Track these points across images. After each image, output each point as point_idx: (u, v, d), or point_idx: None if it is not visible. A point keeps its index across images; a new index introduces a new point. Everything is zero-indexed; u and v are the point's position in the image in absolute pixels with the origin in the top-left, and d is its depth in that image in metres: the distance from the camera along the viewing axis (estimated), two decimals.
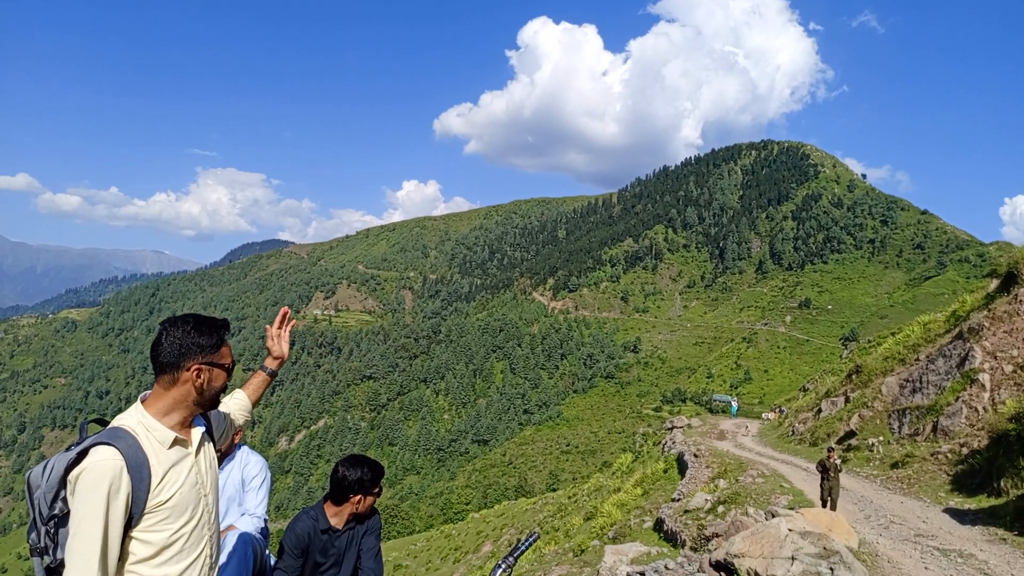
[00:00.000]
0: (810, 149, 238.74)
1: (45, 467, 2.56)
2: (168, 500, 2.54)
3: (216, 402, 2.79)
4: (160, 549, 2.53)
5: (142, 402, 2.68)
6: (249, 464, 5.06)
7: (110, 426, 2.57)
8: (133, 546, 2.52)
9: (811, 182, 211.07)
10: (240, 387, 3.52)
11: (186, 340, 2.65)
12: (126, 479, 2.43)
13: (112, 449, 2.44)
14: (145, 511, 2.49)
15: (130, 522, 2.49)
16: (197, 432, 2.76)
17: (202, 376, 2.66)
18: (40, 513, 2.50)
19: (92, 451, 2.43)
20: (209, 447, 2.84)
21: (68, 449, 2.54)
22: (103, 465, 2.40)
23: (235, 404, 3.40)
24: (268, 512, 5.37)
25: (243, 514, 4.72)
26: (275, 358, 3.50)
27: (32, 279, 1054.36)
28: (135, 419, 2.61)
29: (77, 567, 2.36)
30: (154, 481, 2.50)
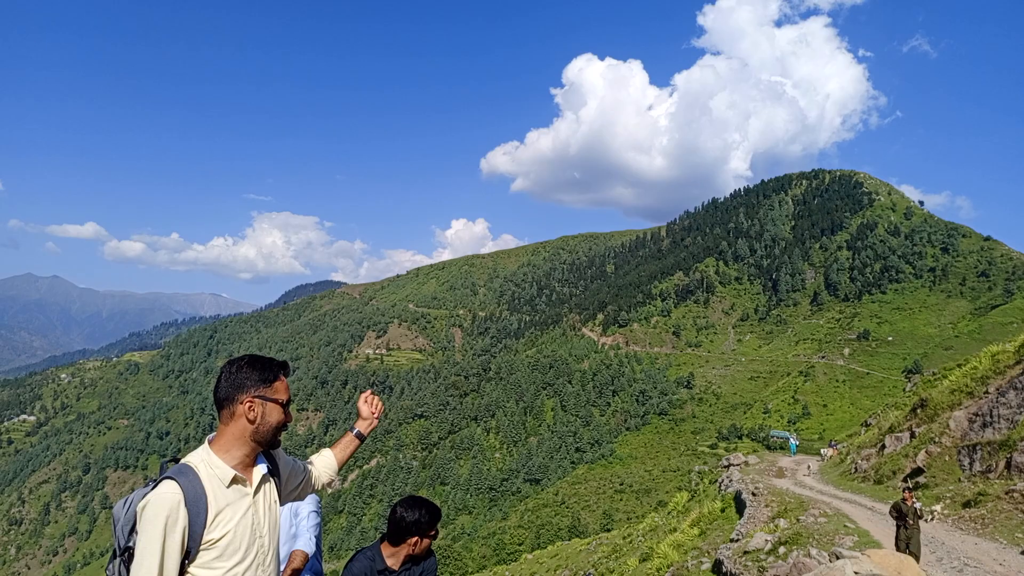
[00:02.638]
0: (863, 177, 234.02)
1: (126, 501, 2.74)
2: (221, 538, 2.63)
3: (275, 439, 2.86)
4: None
5: (208, 442, 2.81)
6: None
7: (179, 463, 2.72)
8: None
9: (866, 210, 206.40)
10: (329, 447, 3.61)
11: (240, 375, 2.79)
12: (183, 512, 2.55)
13: (173, 483, 2.59)
14: (200, 547, 2.59)
15: (187, 556, 2.60)
16: (258, 472, 2.84)
17: (255, 410, 2.76)
18: (118, 545, 2.67)
19: (158, 485, 2.61)
20: (271, 488, 2.91)
21: (147, 485, 2.70)
22: (163, 498, 2.55)
23: (321, 462, 3.48)
24: (322, 552, 5.40)
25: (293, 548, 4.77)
26: (364, 419, 3.64)
27: (98, 323, 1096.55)
28: (199, 456, 2.74)
29: None
30: (210, 517, 2.61)
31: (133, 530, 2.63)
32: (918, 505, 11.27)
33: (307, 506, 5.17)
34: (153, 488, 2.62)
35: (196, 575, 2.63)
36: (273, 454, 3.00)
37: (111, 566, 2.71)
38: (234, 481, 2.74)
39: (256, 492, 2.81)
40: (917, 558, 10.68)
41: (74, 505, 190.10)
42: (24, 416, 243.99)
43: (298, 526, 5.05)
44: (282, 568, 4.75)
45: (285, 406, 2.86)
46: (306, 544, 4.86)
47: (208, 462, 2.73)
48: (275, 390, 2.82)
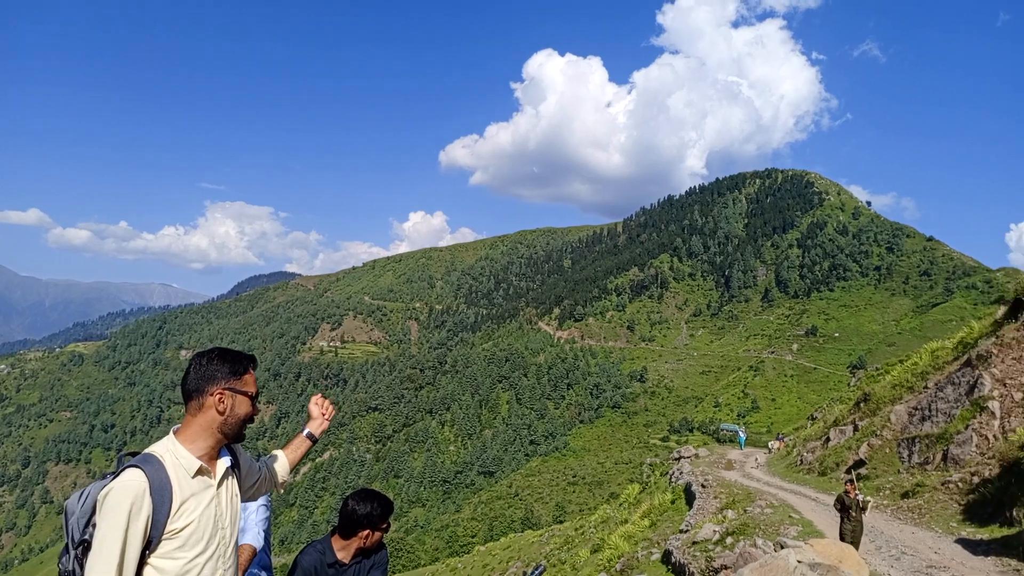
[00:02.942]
0: (814, 177, 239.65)
1: (82, 494, 2.69)
2: (184, 528, 2.63)
3: (241, 432, 2.87)
4: None
5: (174, 433, 2.80)
6: None
7: (142, 453, 2.70)
8: (147, 572, 2.61)
9: (816, 210, 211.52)
10: (282, 448, 3.59)
11: (210, 367, 2.80)
12: (148, 501, 2.55)
13: (138, 471, 2.58)
14: (163, 536, 2.58)
15: (149, 546, 2.59)
16: (222, 464, 2.86)
17: (225, 402, 2.78)
18: (72, 538, 2.63)
19: (121, 474, 2.59)
20: (233, 482, 2.93)
21: (104, 477, 2.67)
22: (128, 486, 2.54)
23: (274, 463, 3.46)
24: (272, 545, 5.31)
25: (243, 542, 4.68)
26: (315, 420, 3.59)
27: (40, 313, 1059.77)
28: (164, 447, 2.73)
29: None
30: (174, 507, 2.61)
31: (89, 523, 2.60)
32: (861, 497, 11.41)
33: (257, 500, 5.06)
34: (114, 477, 2.60)
35: (157, 565, 2.61)
36: (235, 449, 3.01)
37: (64, 560, 2.65)
38: (199, 472, 2.74)
39: (220, 484, 2.81)
40: (857, 548, 10.74)
41: (12, 500, 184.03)
42: None
43: (246, 520, 4.94)
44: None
45: (254, 399, 2.89)
46: (254, 539, 4.75)
47: (174, 452, 2.72)
48: (245, 383, 2.85)
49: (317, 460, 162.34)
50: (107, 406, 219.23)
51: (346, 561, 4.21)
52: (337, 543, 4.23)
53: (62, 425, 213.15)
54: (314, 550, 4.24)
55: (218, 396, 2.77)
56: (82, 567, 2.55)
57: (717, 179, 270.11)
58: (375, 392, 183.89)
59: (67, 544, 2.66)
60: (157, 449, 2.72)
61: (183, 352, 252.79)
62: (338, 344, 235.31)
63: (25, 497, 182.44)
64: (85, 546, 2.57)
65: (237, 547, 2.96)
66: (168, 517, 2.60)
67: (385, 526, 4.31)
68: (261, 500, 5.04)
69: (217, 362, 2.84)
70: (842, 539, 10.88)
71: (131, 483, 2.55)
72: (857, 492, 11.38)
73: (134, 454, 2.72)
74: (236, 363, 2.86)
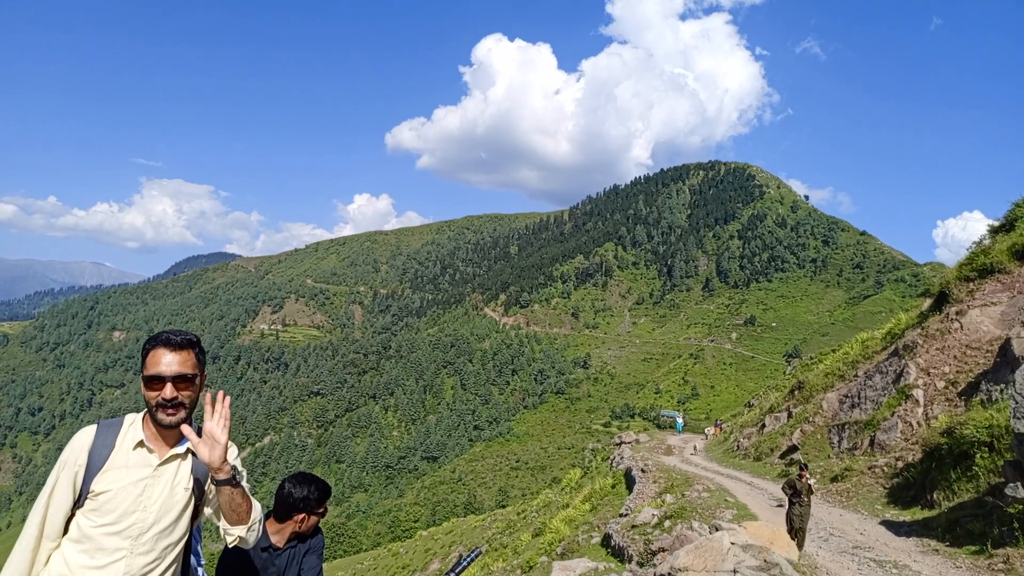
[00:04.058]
0: (756, 170, 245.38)
1: None
2: (101, 494, 2.62)
3: (156, 416, 2.70)
4: (82, 536, 2.61)
5: None
6: None
7: (126, 415, 2.82)
8: (71, 525, 2.66)
9: (757, 202, 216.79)
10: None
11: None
12: (84, 458, 2.63)
13: (92, 428, 2.71)
14: (87, 496, 2.61)
15: (79, 501, 2.64)
16: (176, 450, 2.77)
17: (143, 389, 2.73)
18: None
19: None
20: (183, 469, 2.79)
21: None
22: (76, 438, 2.67)
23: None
24: (201, 531, 5.18)
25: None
26: (207, 460, 2.75)
27: None
28: (135, 416, 2.80)
29: (28, 519, 2.66)
30: (102, 471, 2.63)
31: None
32: (812, 482, 11.40)
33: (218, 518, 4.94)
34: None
35: (78, 520, 2.64)
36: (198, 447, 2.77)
37: None
38: (140, 445, 2.71)
39: (161, 466, 2.73)
40: (804, 534, 10.87)
41: None
42: None
43: None
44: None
45: (151, 380, 2.68)
46: None
47: (135, 423, 2.76)
48: (145, 365, 2.72)
49: (257, 445, 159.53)
50: (34, 388, 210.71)
51: (280, 545, 4.13)
52: (271, 526, 4.15)
53: None
54: None
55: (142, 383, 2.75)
56: None
57: (662, 170, 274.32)
58: (317, 376, 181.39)
59: None
60: (130, 416, 2.79)
61: (116, 333, 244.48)
62: (279, 327, 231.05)
63: None
64: None
65: (179, 544, 2.85)
66: (92, 479, 2.61)
67: (322, 511, 4.24)
68: None
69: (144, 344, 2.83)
70: (790, 523, 10.87)
71: (79, 436, 2.67)
72: (809, 477, 11.36)
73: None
74: (145, 346, 2.78)
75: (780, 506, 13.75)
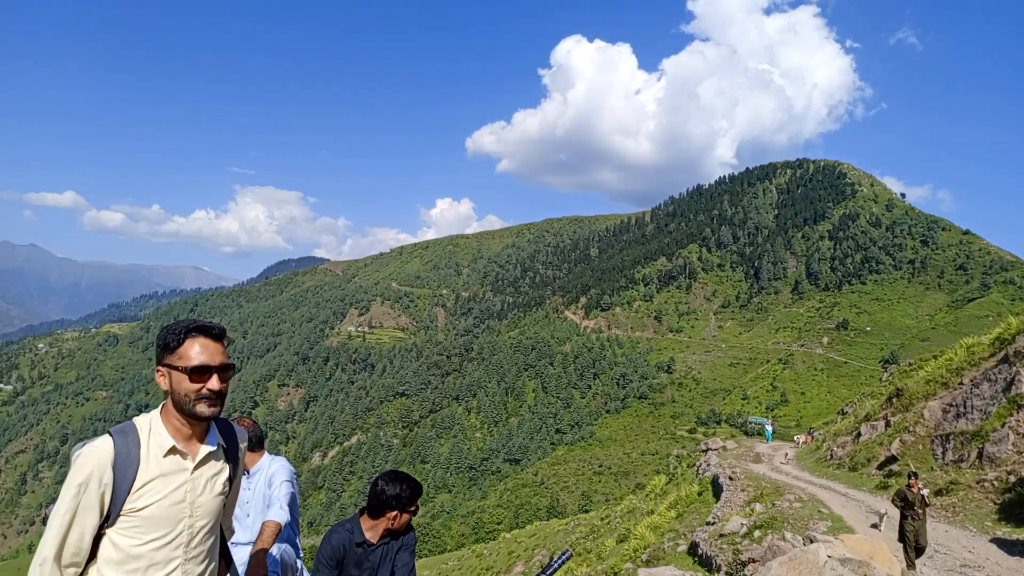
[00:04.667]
0: (847, 168, 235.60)
1: (73, 448, 2.70)
2: (143, 509, 2.49)
3: (194, 410, 2.60)
4: (127, 557, 2.47)
5: (160, 408, 2.70)
6: (273, 467, 5.17)
7: (127, 421, 2.61)
8: (104, 545, 2.48)
9: (848, 201, 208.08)
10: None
11: (157, 344, 2.68)
12: (109, 474, 2.44)
13: (109, 441, 2.50)
14: (121, 513, 2.45)
15: (108, 520, 2.47)
16: (205, 448, 2.69)
17: (165, 379, 2.62)
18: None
19: (96, 439, 2.50)
20: (220, 467, 2.75)
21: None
22: (92, 454, 2.45)
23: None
24: (300, 527, 5.41)
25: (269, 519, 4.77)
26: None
27: (76, 294, 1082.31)
28: (148, 419, 2.63)
29: (41, 545, 2.42)
30: (136, 484, 2.48)
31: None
32: (925, 492, 10.61)
33: (280, 475, 5.15)
34: (89, 441, 2.53)
35: (114, 540, 2.48)
36: (232, 434, 2.85)
37: (48, 508, 2.60)
38: (172, 451, 2.58)
39: (198, 468, 2.65)
40: (922, 551, 10.19)
41: (51, 476, 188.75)
42: (1, 385, 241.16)
43: (271, 496, 5.05)
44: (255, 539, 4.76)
45: (195, 372, 2.58)
46: (277, 514, 4.84)
47: (154, 428, 2.61)
48: (179, 356, 2.60)
49: (345, 444, 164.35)
50: (141, 386, 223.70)
51: (374, 541, 4.29)
52: (365, 523, 4.32)
53: (98, 404, 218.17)
54: (343, 528, 4.33)
55: (160, 374, 2.63)
56: None
57: (747, 169, 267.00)
58: (402, 378, 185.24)
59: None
60: (141, 421, 2.62)
61: None
62: (366, 329, 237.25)
63: (63, 473, 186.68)
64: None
65: (218, 537, 2.80)
66: (127, 495, 2.46)
67: (413, 509, 4.38)
68: (284, 475, 5.15)
69: (158, 339, 2.68)
70: (903, 539, 10.16)
71: (96, 451, 2.46)
72: (921, 487, 10.59)
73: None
74: (169, 335, 2.64)
75: (879, 519, 13.20)
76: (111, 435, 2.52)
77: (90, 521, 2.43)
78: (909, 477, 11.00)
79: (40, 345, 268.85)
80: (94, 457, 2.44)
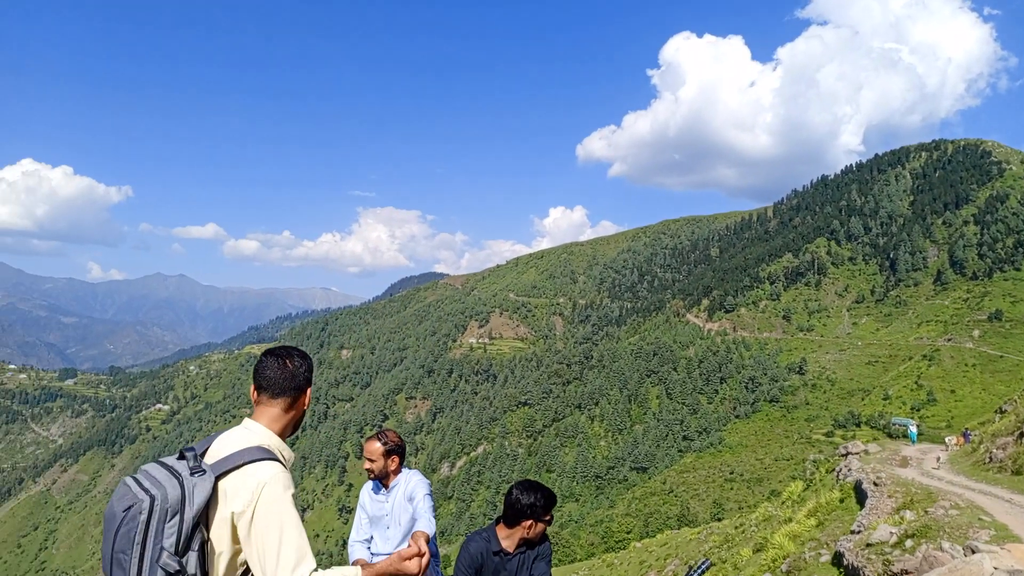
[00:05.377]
0: (992, 146, 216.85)
1: (153, 496, 2.54)
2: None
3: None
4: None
5: (265, 425, 2.93)
6: (411, 483, 5.33)
7: (252, 445, 2.76)
8: (239, 559, 2.70)
9: (995, 181, 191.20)
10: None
11: (306, 366, 3.13)
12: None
13: (279, 464, 2.75)
14: None
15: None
16: (289, 456, 3.01)
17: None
18: (182, 533, 2.53)
19: (265, 463, 2.67)
20: None
21: (196, 473, 2.62)
22: (285, 474, 2.70)
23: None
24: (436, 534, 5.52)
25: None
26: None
27: (220, 318, 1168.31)
28: (269, 438, 2.85)
29: (295, 557, 2.57)
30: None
31: (197, 517, 2.56)
32: None
33: (421, 489, 5.32)
34: (256, 463, 2.67)
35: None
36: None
37: (164, 559, 2.48)
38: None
39: None
40: None
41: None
42: (159, 405, 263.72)
43: (416, 509, 5.20)
44: (405, 547, 4.88)
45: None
46: (426, 525, 5.00)
47: (279, 447, 2.83)
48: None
49: (471, 454, 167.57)
50: None
51: (510, 550, 4.31)
52: (502, 531, 4.35)
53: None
54: (480, 537, 4.38)
55: (308, 393, 3.05)
56: (202, 566, 2.56)
57: (876, 155, 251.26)
58: (524, 387, 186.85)
59: (153, 544, 2.49)
60: (267, 441, 2.81)
61: (344, 352, 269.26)
62: (486, 340, 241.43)
63: None
64: (193, 527, 2.56)
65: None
66: None
67: (548, 518, 4.38)
68: (424, 489, 5.33)
69: (309, 362, 3.10)
70: None
71: (285, 472, 2.71)
72: None
73: (191, 449, 2.75)
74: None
75: None
76: (274, 459, 2.82)
77: None
78: None
79: (191, 367, 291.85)
80: (287, 476, 2.75)
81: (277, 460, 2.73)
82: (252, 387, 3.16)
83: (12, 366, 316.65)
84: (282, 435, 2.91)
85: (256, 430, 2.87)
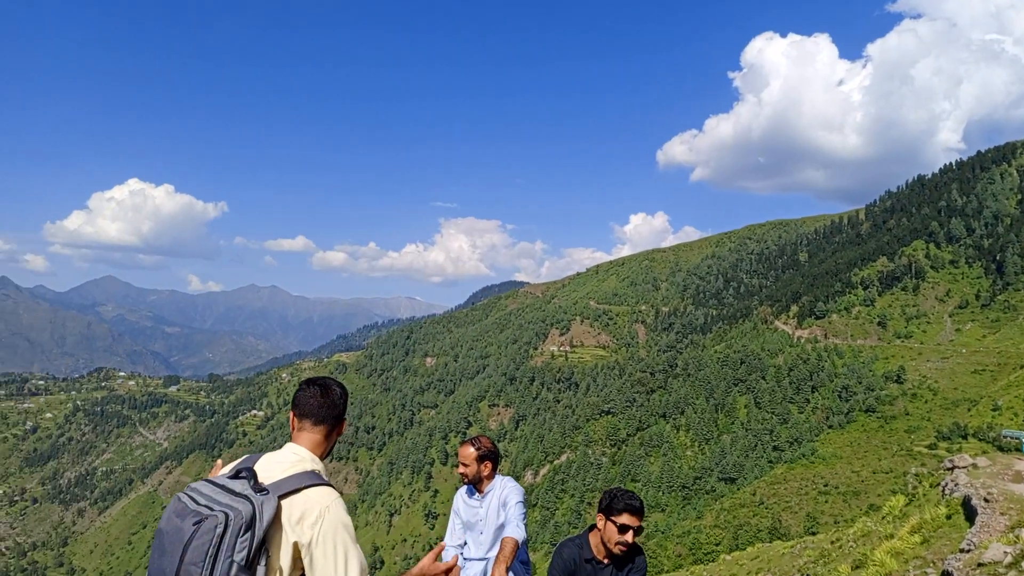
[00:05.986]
0: None
1: (255, 506, 2.69)
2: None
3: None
4: None
5: (311, 450, 3.11)
6: (506, 489, 5.52)
7: (307, 470, 2.94)
8: None
9: None
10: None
11: (345, 395, 3.41)
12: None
13: (335, 490, 2.98)
14: None
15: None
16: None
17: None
18: (250, 548, 2.64)
19: (324, 488, 2.89)
20: None
21: (261, 492, 2.74)
22: (341, 500, 2.91)
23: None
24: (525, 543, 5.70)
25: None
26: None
27: (310, 327, 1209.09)
28: (316, 464, 3.06)
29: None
30: None
31: (261, 536, 2.67)
32: None
33: (514, 496, 5.47)
34: (315, 488, 2.85)
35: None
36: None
37: (239, 574, 2.61)
38: None
39: None
40: None
41: None
42: (254, 411, 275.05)
43: (507, 515, 5.35)
44: (495, 553, 5.09)
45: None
46: (515, 532, 5.10)
47: (323, 472, 3.05)
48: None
49: (555, 462, 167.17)
50: (368, 410, 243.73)
51: (603, 559, 4.39)
52: (594, 539, 4.43)
53: None
54: (573, 544, 4.49)
55: (345, 423, 3.32)
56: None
57: (979, 152, 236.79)
58: (606, 396, 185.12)
59: (224, 557, 2.58)
60: (318, 466, 3.03)
61: (428, 359, 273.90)
62: (568, 348, 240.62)
63: None
64: (257, 548, 2.69)
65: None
66: None
67: (639, 526, 4.44)
68: (517, 496, 5.48)
69: (346, 392, 3.39)
70: None
71: (341, 499, 2.92)
72: None
73: (247, 470, 2.87)
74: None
75: None
76: (329, 485, 3.09)
77: None
78: None
79: (283, 375, 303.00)
80: (343, 503, 2.96)
81: (331, 486, 2.90)
82: (292, 414, 3.25)
83: (122, 373, 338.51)
84: (321, 460, 3.12)
85: (305, 456, 3.01)
